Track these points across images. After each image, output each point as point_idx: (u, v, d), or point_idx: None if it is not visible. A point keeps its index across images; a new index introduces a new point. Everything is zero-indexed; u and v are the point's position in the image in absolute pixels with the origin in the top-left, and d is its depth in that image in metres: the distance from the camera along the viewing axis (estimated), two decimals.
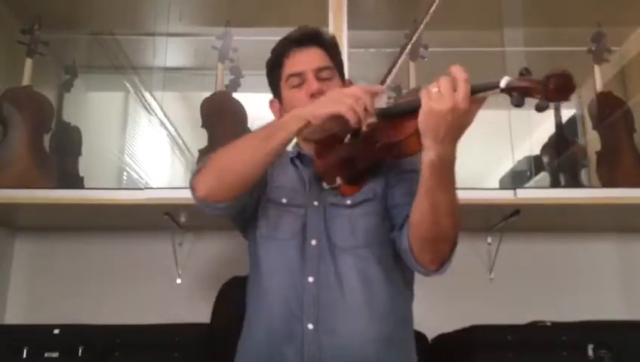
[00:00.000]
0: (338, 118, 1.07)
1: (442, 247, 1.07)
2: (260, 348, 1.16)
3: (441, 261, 1.09)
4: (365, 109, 1.05)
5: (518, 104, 0.87)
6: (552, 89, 0.84)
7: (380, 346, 1.12)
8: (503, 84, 0.88)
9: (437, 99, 0.92)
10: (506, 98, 0.90)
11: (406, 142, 1.04)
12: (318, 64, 1.25)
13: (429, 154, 0.97)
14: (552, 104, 0.88)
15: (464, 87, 0.91)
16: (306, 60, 1.25)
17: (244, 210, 1.24)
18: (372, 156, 1.15)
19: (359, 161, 1.16)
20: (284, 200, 1.23)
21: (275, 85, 1.31)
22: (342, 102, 1.06)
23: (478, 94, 0.93)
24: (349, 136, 1.19)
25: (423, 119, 0.94)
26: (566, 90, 0.84)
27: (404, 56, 1.23)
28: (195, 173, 1.18)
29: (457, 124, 0.93)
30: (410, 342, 1.21)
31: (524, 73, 0.89)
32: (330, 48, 1.29)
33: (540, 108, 0.87)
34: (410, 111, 1.02)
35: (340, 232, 1.18)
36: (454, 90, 0.91)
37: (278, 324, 1.14)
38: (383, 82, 1.14)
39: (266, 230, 1.23)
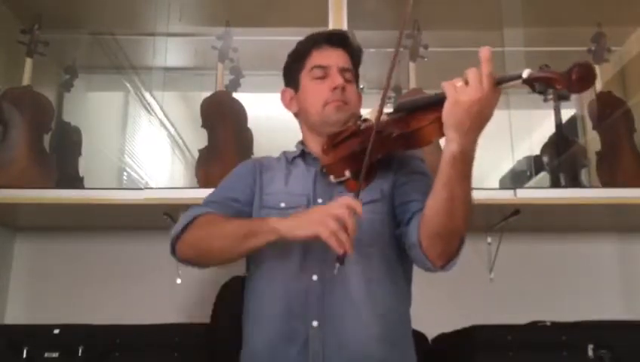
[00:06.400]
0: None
1: (452, 242, 1.08)
2: (262, 348, 1.15)
3: (448, 256, 1.09)
4: (347, 232, 1.00)
5: (541, 91, 0.89)
6: (574, 79, 0.86)
7: (383, 344, 1.13)
8: (525, 75, 0.90)
9: (463, 90, 0.94)
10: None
11: (423, 131, 1.04)
12: (344, 64, 1.29)
13: (451, 146, 0.98)
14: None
15: (489, 76, 0.94)
16: (334, 57, 1.30)
17: None
18: (385, 148, 1.12)
19: (371, 153, 1.10)
20: (282, 205, 1.23)
21: (294, 74, 1.33)
22: (324, 224, 1.01)
23: (501, 85, 0.95)
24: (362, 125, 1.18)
25: (449, 111, 0.96)
26: (587, 80, 0.86)
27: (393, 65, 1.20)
28: (179, 233, 1.21)
29: (482, 115, 0.96)
30: (410, 340, 1.22)
31: (544, 68, 0.90)
32: (355, 56, 1.34)
33: (562, 98, 0.89)
34: (429, 104, 1.03)
35: None
36: (481, 81, 0.93)
37: (279, 324, 1.14)
38: (380, 111, 1.10)
39: None
